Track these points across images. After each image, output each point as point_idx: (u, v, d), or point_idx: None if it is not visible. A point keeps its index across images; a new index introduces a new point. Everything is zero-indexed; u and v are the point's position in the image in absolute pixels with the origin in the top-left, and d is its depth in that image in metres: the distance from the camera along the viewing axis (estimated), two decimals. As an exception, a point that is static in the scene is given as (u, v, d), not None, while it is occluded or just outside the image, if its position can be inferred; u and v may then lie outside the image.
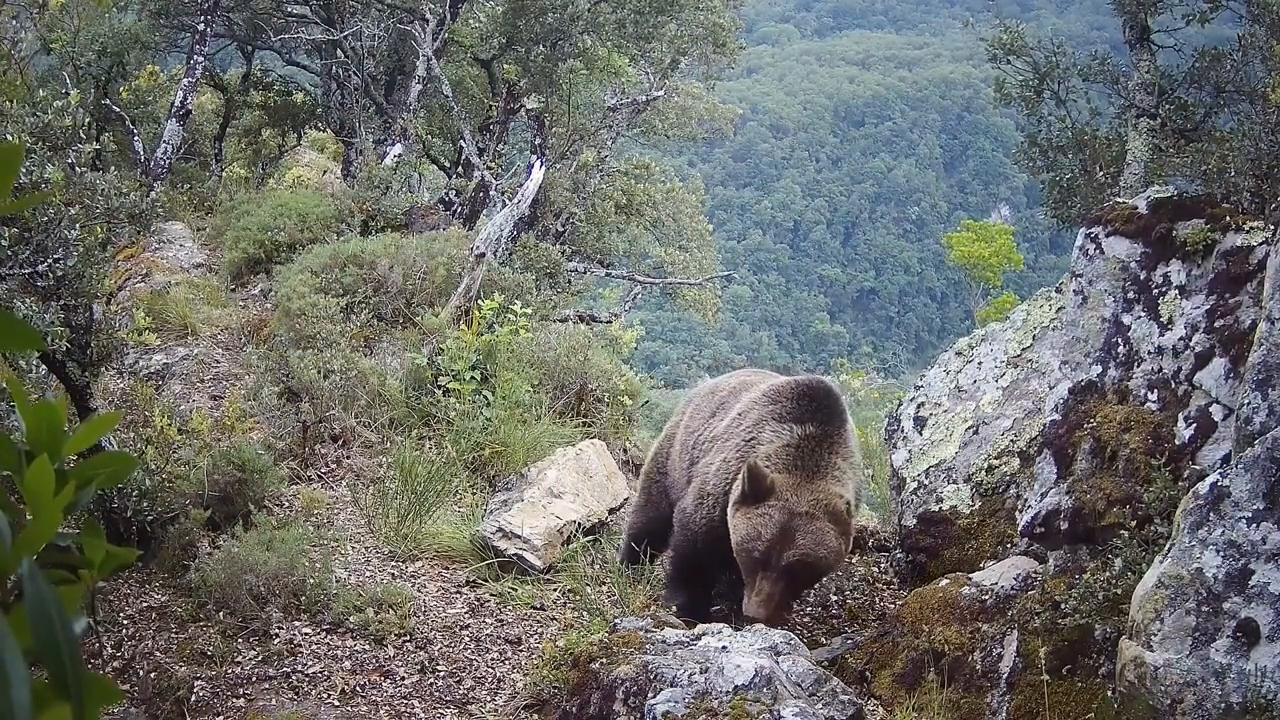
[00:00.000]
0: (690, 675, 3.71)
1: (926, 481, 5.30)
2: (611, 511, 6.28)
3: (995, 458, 5.19)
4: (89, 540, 1.09)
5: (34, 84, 8.44)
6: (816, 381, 4.92)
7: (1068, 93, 7.28)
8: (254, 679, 4.67)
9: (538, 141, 12.14)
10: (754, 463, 4.45)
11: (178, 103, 11.38)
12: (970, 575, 4.65)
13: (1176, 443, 4.08)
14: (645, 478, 5.78)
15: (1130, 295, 4.47)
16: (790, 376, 5.13)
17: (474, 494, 6.42)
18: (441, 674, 4.84)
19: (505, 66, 12.44)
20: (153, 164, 11.24)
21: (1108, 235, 4.59)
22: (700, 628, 4.21)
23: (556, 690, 4.41)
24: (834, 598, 5.38)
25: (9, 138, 4.70)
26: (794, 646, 3.97)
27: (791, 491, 4.41)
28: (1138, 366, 4.37)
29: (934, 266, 71.86)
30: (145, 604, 5.13)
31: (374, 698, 4.63)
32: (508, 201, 10.37)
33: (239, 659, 4.77)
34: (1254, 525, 3.38)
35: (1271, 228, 4.08)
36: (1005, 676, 4.14)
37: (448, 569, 5.73)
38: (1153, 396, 4.27)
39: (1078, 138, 7.13)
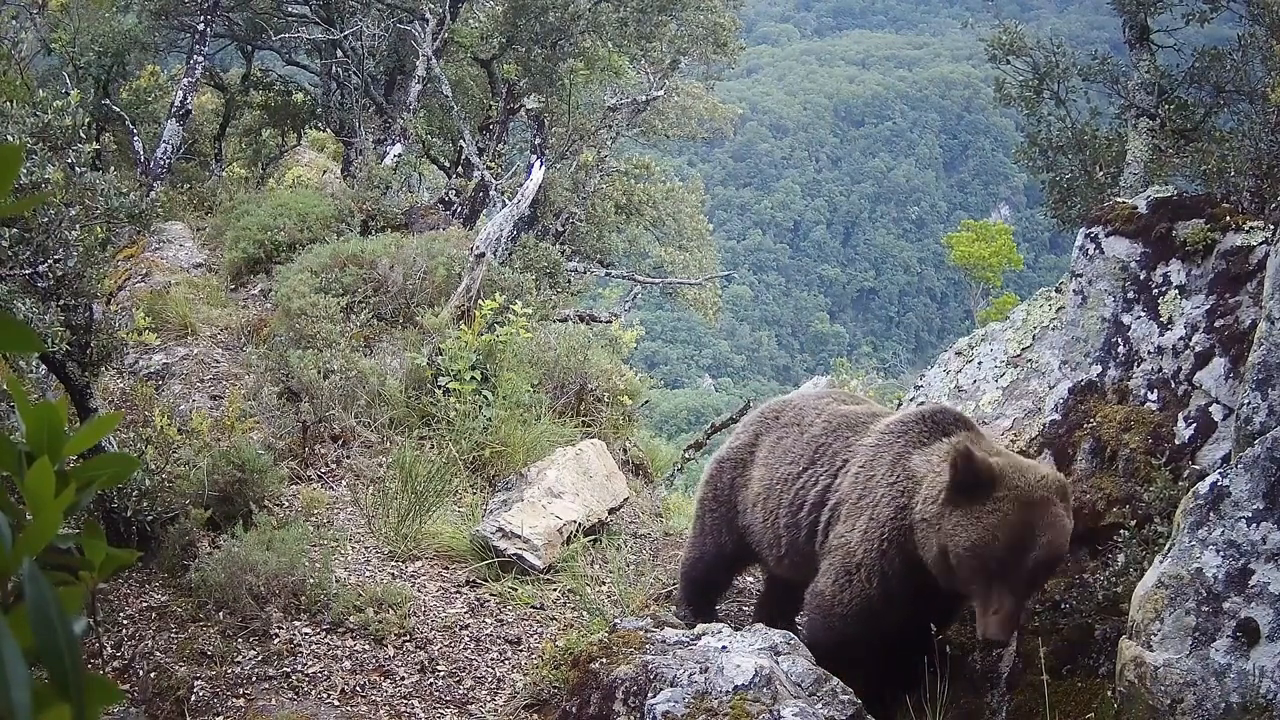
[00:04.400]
0: (690, 675, 3.71)
1: (926, 481, 5.29)
2: (611, 511, 6.28)
3: (995, 458, 5.19)
4: (89, 541, 1.09)
5: (34, 84, 8.44)
6: (933, 405, 4.33)
7: (1068, 93, 7.29)
8: (254, 679, 4.67)
9: (538, 141, 12.15)
10: (965, 447, 3.69)
11: (178, 103, 11.38)
12: (970, 575, 4.64)
13: (1176, 443, 4.08)
14: (700, 505, 5.09)
15: (1130, 295, 4.48)
16: (900, 411, 4.42)
17: (474, 494, 6.42)
18: (441, 674, 4.84)
19: (505, 66, 12.45)
20: (153, 164, 11.24)
21: (1108, 235, 4.59)
22: (700, 627, 4.20)
23: (556, 690, 4.41)
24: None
25: (9, 138, 4.70)
26: (794, 646, 3.96)
27: (1017, 475, 3.65)
28: (1138, 366, 4.37)
29: (934, 266, 71.89)
30: (145, 604, 5.13)
31: (374, 698, 4.63)
32: (508, 201, 10.37)
33: (239, 659, 4.77)
34: (1254, 525, 3.38)
35: (1271, 227, 4.08)
36: (1005, 676, 4.15)
37: (448, 569, 5.73)
38: (1153, 396, 4.27)
39: (1078, 138, 7.13)
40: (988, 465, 3.65)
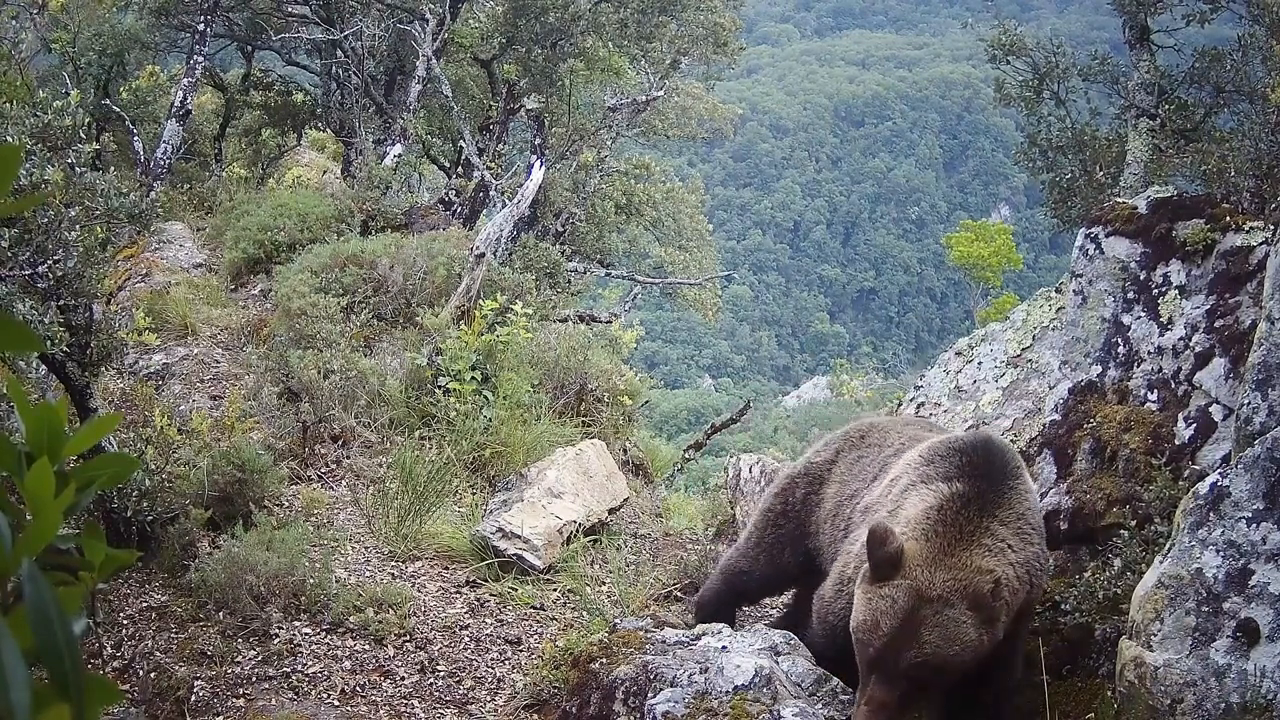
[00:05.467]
0: (690, 675, 3.71)
1: (926, 481, 5.28)
2: (611, 511, 6.28)
3: (995, 458, 5.17)
4: (89, 541, 1.09)
5: (34, 84, 8.45)
6: (978, 436, 4.02)
7: (1068, 93, 7.29)
8: (254, 679, 4.67)
9: (538, 141, 12.15)
10: (877, 524, 3.58)
11: (178, 103, 11.38)
12: (970, 575, 4.63)
13: (1176, 443, 4.08)
14: (764, 515, 4.74)
15: (1130, 295, 4.48)
16: (954, 434, 4.23)
17: (474, 494, 6.42)
18: (441, 674, 4.84)
19: (505, 66, 12.45)
20: (153, 164, 11.24)
21: (1108, 235, 4.59)
22: (700, 628, 4.20)
23: (556, 690, 4.41)
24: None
25: (9, 138, 4.70)
26: (794, 646, 3.97)
27: (924, 567, 3.48)
28: (1138, 366, 4.37)
29: (934, 266, 71.88)
30: (145, 604, 5.14)
31: (374, 698, 4.63)
32: (508, 201, 10.37)
33: (239, 659, 4.77)
34: (1254, 525, 3.38)
35: (1271, 228, 4.08)
36: (1005, 676, 4.14)
37: (448, 569, 5.73)
38: (1153, 396, 4.27)
39: (1078, 138, 7.13)
40: (894, 550, 3.48)
